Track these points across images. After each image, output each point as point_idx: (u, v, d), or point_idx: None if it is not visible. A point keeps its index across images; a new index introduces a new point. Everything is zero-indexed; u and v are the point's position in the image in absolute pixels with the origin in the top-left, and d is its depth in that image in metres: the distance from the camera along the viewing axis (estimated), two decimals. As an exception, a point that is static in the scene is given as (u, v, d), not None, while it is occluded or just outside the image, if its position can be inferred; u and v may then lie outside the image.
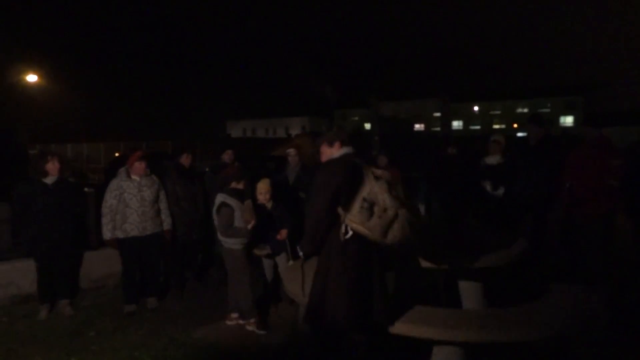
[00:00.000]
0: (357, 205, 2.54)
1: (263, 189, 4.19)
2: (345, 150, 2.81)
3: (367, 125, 57.37)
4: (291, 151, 5.18)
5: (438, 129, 55.61)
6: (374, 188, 2.56)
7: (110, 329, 3.98)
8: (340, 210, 2.58)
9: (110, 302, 4.59)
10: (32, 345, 3.68)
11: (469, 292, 3.55)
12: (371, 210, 2.53)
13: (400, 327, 3.29)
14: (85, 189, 5.44)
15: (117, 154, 20.64)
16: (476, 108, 56.90)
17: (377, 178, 2.61)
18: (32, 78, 19.25)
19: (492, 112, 57.43)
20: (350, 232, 2.56)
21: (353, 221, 2.53)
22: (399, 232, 2.52)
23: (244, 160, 5.91)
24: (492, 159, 5.57)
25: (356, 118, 62.35)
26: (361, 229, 2.52)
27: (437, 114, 58.03)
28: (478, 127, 55.83)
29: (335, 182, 2.58)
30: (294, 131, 48.26)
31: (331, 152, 2.84)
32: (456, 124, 58.85)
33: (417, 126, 59.49)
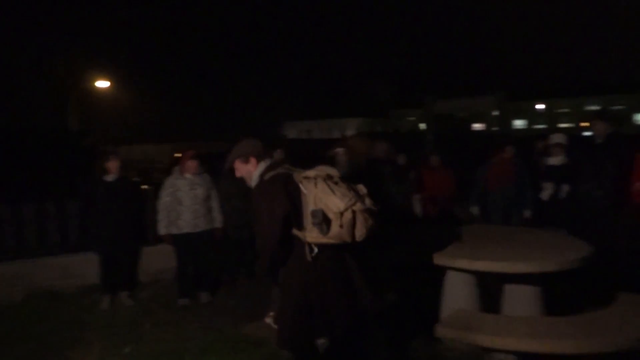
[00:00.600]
0: (309, 221, 2.35)
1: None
2: (263, 165, 2.58)
3: (423, 125, 56.23)
4: (339, 151, 5.17)
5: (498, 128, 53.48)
6: (317, 195, 2.35)
7: (164, 321, 4.15)
8: (296, 232, 2.40)
9: (165, 295, 4.78)
10: (93, 332, 3.93)
11: (522, 297, 3.36)
12: (327, 220, 2.32)
13: (450, 332, 3.18)
14: (144, 187, 5.74)
15: (176, 154, 21.57)
16: (541, 106, 54.09)
17: (313, 181, 2.38)
18: (104, 84, 20.57)
19: (558, 110, 54.34)
20: (316, 249, 2.37)
21: (314, 237, 2.35)
22: (363, 227, 2.33)
23: (298, 160, 5.96)
24: (555, 160, 5.29)
25: (413, 118, 61.29)
26: (325, 240, 2.34)
27: (496, 113, 55.79)
28: (543, 126, 53.04)
29: (280, 210, 2.36)
30: (350, 132, 48.26)
31: (248, 169, 2.62)
32: (519, 123, 56.23)
33: (477, 125, 57.49)
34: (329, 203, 2.32)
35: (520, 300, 3.34)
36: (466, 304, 3.43)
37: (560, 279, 3.47)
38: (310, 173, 2.44)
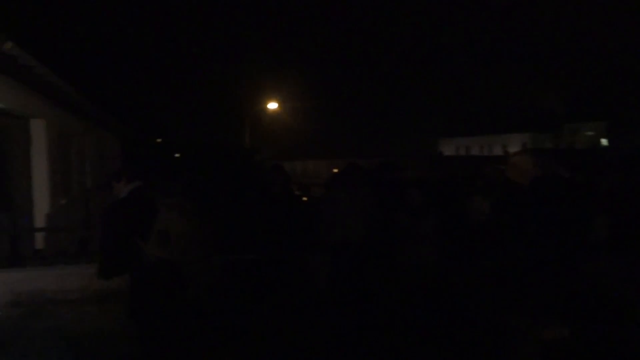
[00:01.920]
0: (153, 237, 2.92)
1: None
2: (132, 186, 3.10)
3: (604, 141, 49.04)
4: (490, 170, 4.78)
5: None
6: (169, 217, 2.93)
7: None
8: (140, 242, 2.91)
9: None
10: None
11: None
12: (167, 239, 2.91)
13: None
14: (304, 199, 6.13)
15: (335, 170, 22.62)
16: None
17: (170, 208, 2.98)
18: (273, 105, 22.79)
19: None
20: (153, 260, 2.93)
21: (153, 250, 2.90)
22: (194, 250, 2.97)
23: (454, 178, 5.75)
24: None
25: (590, 133, 53.97)
26: (161, 255, 2.91)
27: None
28: None
29: (123, 224, 2.94)
30: (513, 149, 44.67)
31: (119, 187, 3.13)
32: None
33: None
34: (173, 227, 2.96)
35: None
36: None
37: None
38: (171, 201, 3.08)
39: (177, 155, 15.97)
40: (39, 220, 7.00)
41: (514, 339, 3.31)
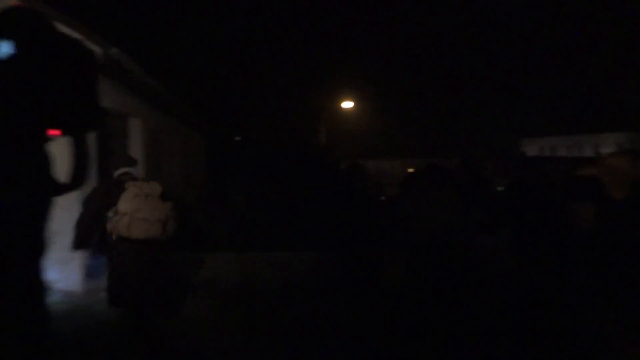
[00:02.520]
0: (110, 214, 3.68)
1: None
2: (121, 170, 3.96)
3: None
4: (595, 171, 4.44)
5: None
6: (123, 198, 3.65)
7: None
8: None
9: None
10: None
11: None
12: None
13: None
14: (382, 198, 6.13)
15: (410, 169, 22.24)
16: None
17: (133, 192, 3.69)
18: (348, 104, 22.86)
19: None
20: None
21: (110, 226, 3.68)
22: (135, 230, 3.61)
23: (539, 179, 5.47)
24: None
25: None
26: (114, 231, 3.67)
27: None
28: None
29: (96, 199, 3.76)
30: (606, 149, 41.16)
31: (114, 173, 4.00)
32: None
33: None
34: (120, 206, 3.65)
35: None
36: None
37: None
38: (130, 184, 3.79)
39: (254, 152, 16.58)
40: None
41: (609, 353, 3.10)
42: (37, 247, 1.15)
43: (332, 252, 5.39)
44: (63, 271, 5.07)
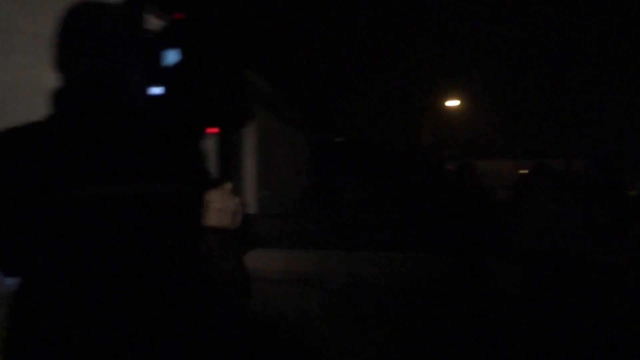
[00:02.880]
0: None
1: None
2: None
3: None
4: None
5: None
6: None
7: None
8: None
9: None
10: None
11: None
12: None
13: None
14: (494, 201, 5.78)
15: (521, 171, 20.75)
16: None
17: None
18: (453, 103, 22.01)
19: None
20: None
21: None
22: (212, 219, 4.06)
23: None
24: None
25: None
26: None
27: None
28: None
29: None
30: None
31: None
32: None
33: None
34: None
35: None
36: None
37: None
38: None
39: (358, 153, 16.68)
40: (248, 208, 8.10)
41: None
42: (198, 235, 1.26)
43: (442, 255, 5.22)
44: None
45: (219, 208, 4.15)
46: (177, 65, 1.22)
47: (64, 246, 1.04)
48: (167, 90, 1.25)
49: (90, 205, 1.05)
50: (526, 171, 4.83)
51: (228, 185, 4.42)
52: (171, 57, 1.23)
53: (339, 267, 5.95)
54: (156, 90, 1.25)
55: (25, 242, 1.04)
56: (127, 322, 1.07)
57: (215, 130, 1.26)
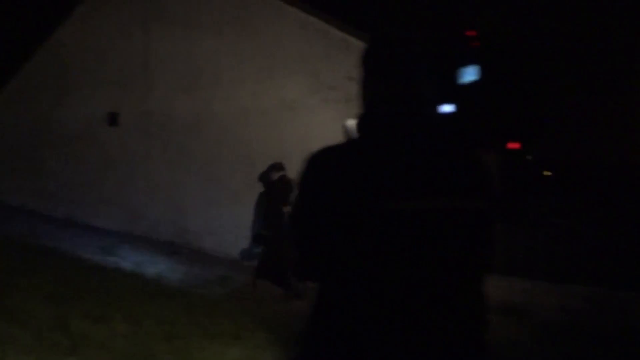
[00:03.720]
0: None
1: None
2: (280, 174, 5.25)
3: None
4: None
5: None
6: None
7: None
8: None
9: None
10: None
11: None
12: None
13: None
14: None
15: None
16: None
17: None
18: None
19: None
20: None
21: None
22: None
23: None
24: None
25: None
26: None
27: None
28: None
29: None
30: None
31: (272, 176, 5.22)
32: None
33: None
34: None
35: None
36: None
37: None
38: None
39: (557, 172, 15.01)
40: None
41: None
42: (488, 254, 1.23)
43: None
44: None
45: None
46: (473, 83, 1.21)
47: (372, 254, 1.10)
48: (459, 107, 1.25)
49: (399, 218, 1.09)
50: None
51: None
52: (468, 75, 1.22)
53: (546, 300, 5.32)
54: (447, 108, 1.26)
55: (337, 250, 1.13)
56: (423, 331, 1.09)
57: (516, 145, 1.21)
